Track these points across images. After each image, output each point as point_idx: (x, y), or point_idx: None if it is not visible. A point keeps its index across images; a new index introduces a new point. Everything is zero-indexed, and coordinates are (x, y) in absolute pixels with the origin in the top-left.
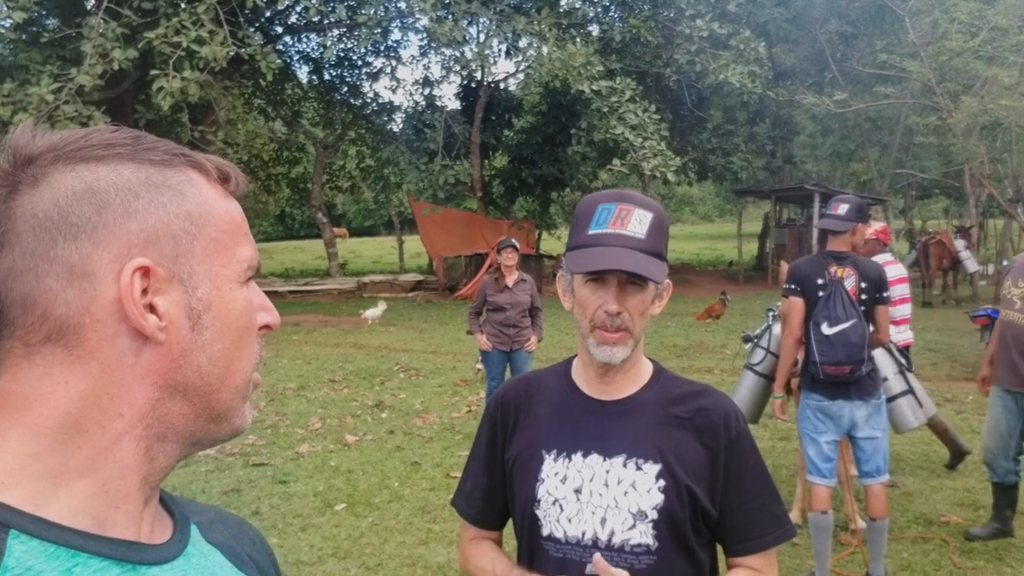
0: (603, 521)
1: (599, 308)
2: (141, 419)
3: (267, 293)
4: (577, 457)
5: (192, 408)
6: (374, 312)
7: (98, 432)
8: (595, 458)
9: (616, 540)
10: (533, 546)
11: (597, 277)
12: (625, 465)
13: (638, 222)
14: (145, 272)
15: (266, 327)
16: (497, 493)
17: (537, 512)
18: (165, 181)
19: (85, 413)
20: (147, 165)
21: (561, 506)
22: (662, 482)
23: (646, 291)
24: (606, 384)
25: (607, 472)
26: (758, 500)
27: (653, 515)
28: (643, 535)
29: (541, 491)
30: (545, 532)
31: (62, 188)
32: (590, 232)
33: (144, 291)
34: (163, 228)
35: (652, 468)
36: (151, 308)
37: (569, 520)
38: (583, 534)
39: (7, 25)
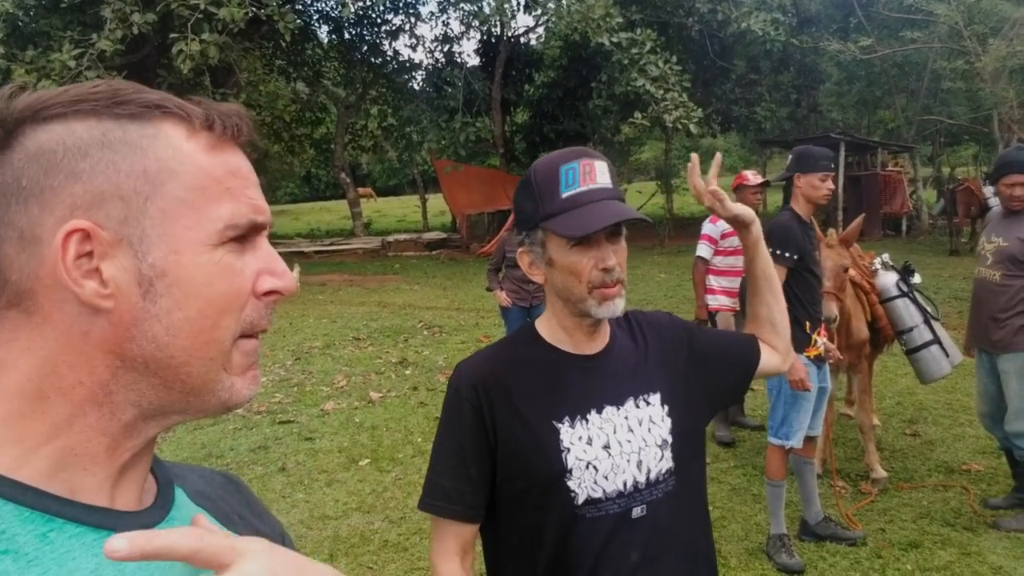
0: (639, 464)
1: (594, 268)
2: (103, 387)
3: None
4: (593, 416)
5: (159, 379)
6: None
7: (59, 399)
8: (610, 410)
9: (652, 476)
10: (565, 521)
11: (584, 239)
12: (637, 405)
13: (603, 173)
14: (86, 236)
15: (273, 293)
16: (485, 482)
17: (569, 483)
18: (124, 137)
19: (45, 380)
20: (109, 120)
21: (595, 467)
22: (667, 407)
23: (622, 239)
24: (593, 339)
25: (626, 419)
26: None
27: (670, 439)
28: (667, 460)
29: (570, 460)
30: (582, 499)
31: (20, 151)
32: (565, 195)
33: (90, 255)
34: (111, 189)
35: (655, 398)
36: (98, 274)
37: (606, 477)
38: (624, 484)
39: None
